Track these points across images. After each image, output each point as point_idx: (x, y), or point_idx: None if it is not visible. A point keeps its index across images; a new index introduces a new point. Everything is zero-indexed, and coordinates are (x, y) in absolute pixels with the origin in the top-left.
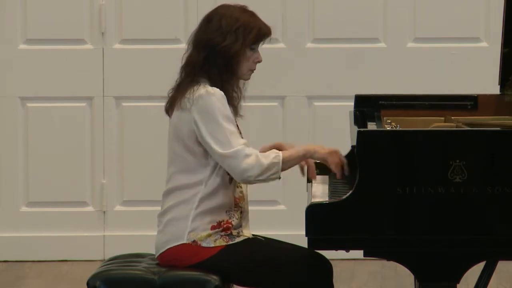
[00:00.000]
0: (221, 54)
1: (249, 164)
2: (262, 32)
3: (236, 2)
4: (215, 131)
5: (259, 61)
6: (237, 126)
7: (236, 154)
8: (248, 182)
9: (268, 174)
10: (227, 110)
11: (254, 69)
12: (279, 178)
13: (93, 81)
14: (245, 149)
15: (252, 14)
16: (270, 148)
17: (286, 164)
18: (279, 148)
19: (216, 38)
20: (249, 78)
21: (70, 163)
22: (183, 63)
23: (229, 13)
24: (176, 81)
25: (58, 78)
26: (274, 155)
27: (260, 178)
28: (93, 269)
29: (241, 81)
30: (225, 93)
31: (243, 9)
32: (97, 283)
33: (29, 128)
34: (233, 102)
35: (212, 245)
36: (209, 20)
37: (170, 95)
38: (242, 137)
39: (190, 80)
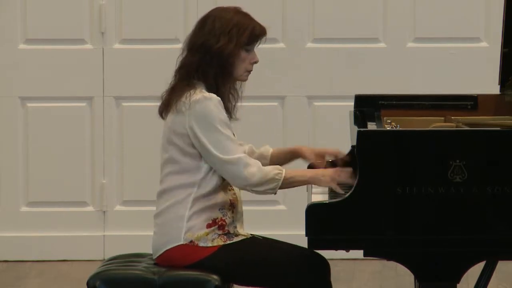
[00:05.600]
0: (215, 55)
1: (250, 173)
2: (255, 33)
3: (235, 3)
4: (214, 137)
5: (256, 62)
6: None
7: (238, 161)
8: (245, 189)
9: (266, 187)
10: (224, 115)
11: (251, 70)
12: (275, 193)
13: (93, 81)
14: (247, 157)
15: (246, 15)
16: (289, 151)
17: (287, 184)
18: (298, 151)
19: (210, 40)
20: (246, 79)
21: (70, 163)
22: (177, 66)
23: (222, 15)
24: (170, 84)
25: (58, 78)
26: (277, 172)
27: (258, 188)
28: (93, 269)
29: (238, 83)
30: (221, 96)
31: (237, 10)
32: (97, 283)
33: (29, 128)
34: (229, 104)
35: (210, 244)
36: (203, 23)
37: (164, 97)
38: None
39: (185, 84)
